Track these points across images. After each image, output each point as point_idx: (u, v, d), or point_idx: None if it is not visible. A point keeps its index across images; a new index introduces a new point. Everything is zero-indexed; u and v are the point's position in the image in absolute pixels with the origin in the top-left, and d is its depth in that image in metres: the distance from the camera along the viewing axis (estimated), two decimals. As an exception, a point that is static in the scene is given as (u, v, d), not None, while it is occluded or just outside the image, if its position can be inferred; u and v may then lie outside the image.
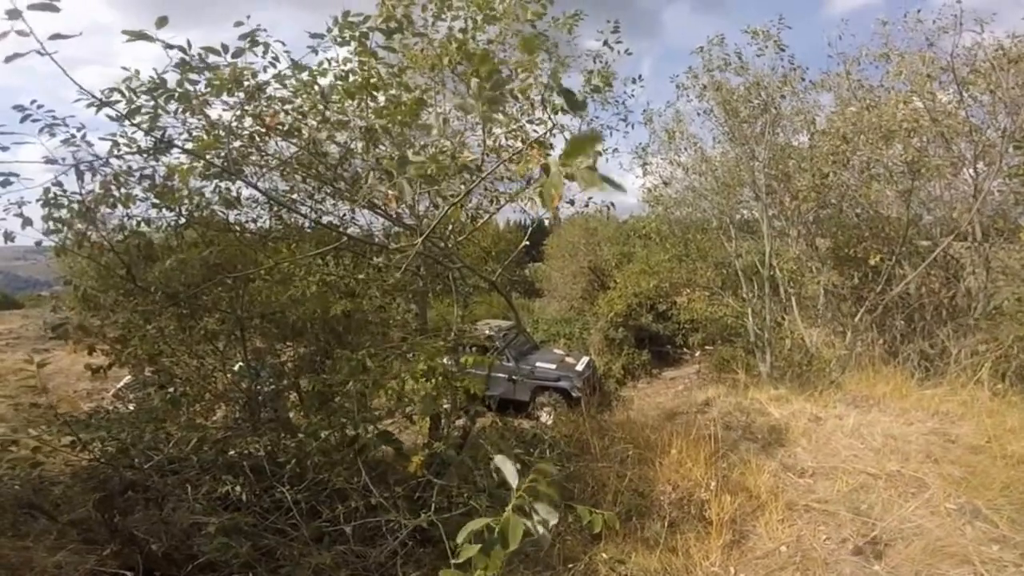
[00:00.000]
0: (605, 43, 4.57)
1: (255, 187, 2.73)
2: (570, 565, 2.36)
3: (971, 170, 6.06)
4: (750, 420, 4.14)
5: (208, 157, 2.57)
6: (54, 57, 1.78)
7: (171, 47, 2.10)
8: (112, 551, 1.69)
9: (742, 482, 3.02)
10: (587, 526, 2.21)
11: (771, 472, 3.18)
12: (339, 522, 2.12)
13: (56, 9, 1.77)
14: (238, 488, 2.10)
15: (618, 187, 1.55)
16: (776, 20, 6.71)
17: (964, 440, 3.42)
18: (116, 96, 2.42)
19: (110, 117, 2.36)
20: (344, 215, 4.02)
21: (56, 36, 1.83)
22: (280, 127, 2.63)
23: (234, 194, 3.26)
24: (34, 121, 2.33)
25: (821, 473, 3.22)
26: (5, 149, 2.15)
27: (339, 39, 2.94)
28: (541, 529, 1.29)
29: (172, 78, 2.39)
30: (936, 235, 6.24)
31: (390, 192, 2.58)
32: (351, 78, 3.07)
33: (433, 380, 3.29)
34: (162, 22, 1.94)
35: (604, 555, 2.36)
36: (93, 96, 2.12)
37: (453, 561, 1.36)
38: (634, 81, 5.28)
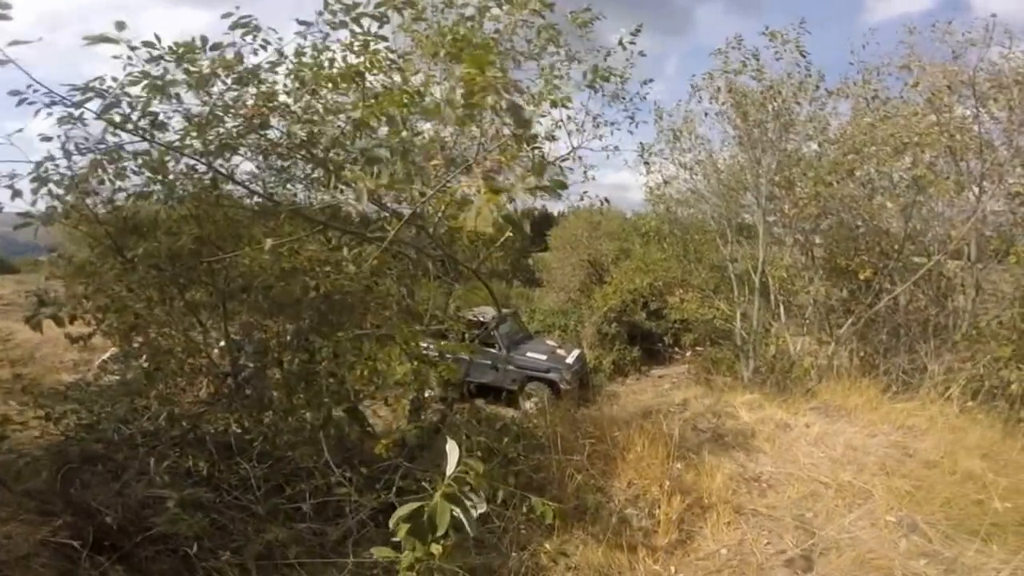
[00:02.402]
0: (620, 43, 4.56)
1: (230, 178, 2.79)
2: (518, 553, 2.48)
3: (976, 187, 5.98)
4: (720, 423, 4.23)
5: (204, 139, 2.63)
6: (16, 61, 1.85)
7: (135, 48, 2.20)
8: (64, 522, 1.78)
9: (697, 484, 3.13)
10: (539, 517, 2.31)
11: (728, 475, 3.28)
12: (299, 500, 2.23)
13: (8, 18, 1.83)
14: (201, 463, 2.20)
15: (555, 190, 1.60)
16: (796, 24, 6.55)
17: (921, 454, 3.50)
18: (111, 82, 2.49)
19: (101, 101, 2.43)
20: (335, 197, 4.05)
21: (15, 43, 1.90)
22: (263, 114, 2.67)
23: (226, 171, 3.32)
24: (30, 104, 2.42)
25: (776, 479, 3.32)
26: None
27: (332, 23, 2.95)
28: (472, 514, 1.38)
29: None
30: (934, 252, 6.20)
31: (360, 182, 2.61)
32: (349, 59, 3.07)
33: (412, 364, 3.39)
34: (121, 26, 2.02)
35: (547, 546, 2.49)
36: (77, 88, 2.21)
37: (392, 540, 1.46)
38: (644, 83, 5.41)
